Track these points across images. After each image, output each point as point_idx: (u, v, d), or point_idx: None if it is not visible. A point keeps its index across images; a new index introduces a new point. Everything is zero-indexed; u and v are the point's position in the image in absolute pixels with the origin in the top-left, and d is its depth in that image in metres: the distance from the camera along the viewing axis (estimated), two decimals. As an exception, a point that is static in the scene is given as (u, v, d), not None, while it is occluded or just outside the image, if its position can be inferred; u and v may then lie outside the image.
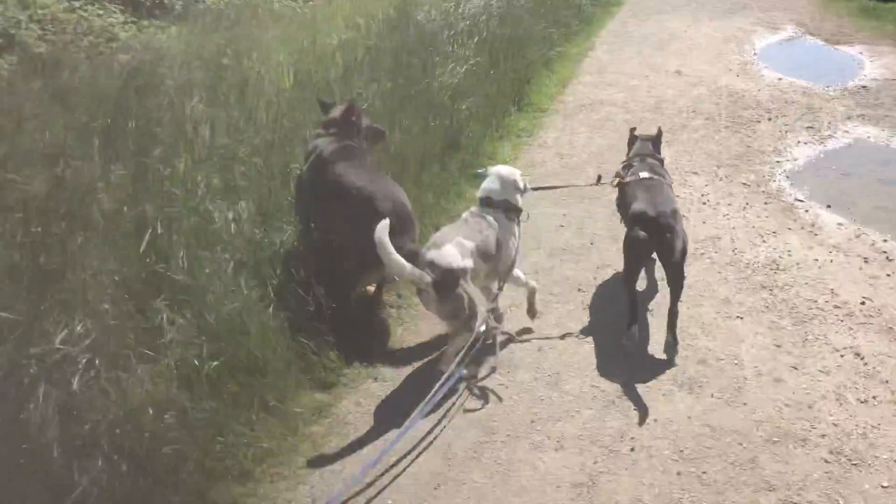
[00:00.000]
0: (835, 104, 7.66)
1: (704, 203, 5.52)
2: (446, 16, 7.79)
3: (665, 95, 8.06)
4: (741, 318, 4.12)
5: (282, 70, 6.34)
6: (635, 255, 3.97)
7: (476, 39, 7.37)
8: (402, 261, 3.37)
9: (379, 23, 7.81)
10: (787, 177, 5.99)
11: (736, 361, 3.75)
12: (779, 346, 3.87)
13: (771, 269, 4.59)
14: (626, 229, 4.05)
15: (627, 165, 4.43)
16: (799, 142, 6.71)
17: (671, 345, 3.84)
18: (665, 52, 10.02)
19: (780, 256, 4.72)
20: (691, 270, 4.31)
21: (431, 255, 3.53)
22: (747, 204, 5.48)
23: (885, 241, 4.92)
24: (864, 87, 8.25)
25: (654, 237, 3.79)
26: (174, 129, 4.62)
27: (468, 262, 3.57)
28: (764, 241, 4.91)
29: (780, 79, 8.61)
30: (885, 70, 8.86)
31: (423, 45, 7.10)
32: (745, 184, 5.85)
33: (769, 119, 7.23)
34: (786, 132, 6.94)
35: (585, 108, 7.73)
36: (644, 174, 4.17)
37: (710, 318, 4.12)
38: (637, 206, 3.92)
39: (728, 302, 4.26)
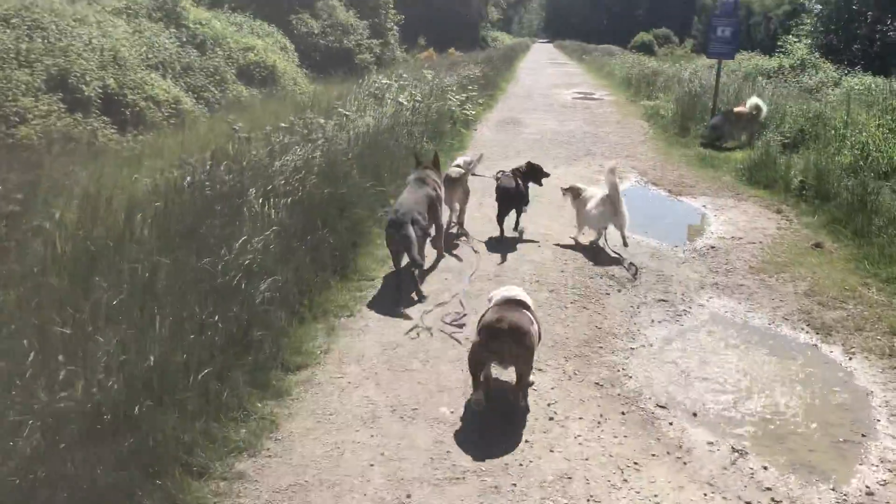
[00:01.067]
0: (686, 269, 7.02)
1: (551, 418, 4.41)
2: (257, 169, 6.65)
3: (507, 260, 7.18)
4: None
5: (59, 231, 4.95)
6: None
7: (289, 200, 6.22)
8: None
9: (193, 167, 6.56)
10: (644, 371, 5.05)
11: None
12: None
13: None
14: None
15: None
16: (653, 320, 5.87)
17: None
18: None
19: (646, 508, 3.63)
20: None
21: None
22: (602, 417, 4.42)
23: (765, 468, 3.96)
24: (713, 247, 7.74)
25: None
26: None
27: None
28: (625, 481, 3.81)
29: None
30: (731, 226, 8.48)
31: (227, 206, 5.89)
32: (598, 384, 4.83)
33: (619, 290, 6.43)
34: (638, 306, 6.12)
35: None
36: None
37: None
38: None
39: None
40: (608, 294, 6.35)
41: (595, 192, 7.51)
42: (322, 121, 10.02)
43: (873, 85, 21.60)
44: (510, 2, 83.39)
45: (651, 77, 23.02)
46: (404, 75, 15.39)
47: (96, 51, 14.92)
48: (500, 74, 27.77)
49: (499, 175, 7.88)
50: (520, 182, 7.75)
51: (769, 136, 13.69)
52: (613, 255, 7.43)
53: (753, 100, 13.41)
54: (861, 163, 9.62)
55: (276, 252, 5.57)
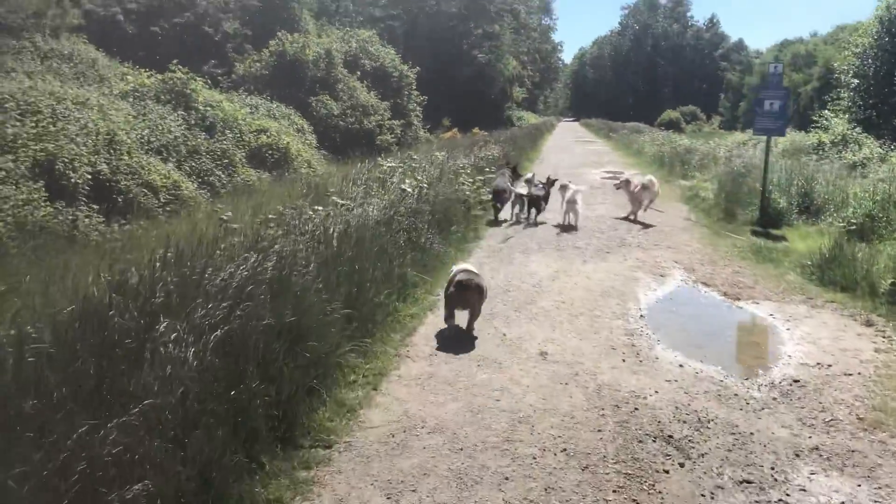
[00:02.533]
0: (769, 421, 5.01)
1: None
2: (184, 287, 4.86)
3: (520, 410, 5.19)
4: None
5: None
6: None
7: (215, 335, 4.40)
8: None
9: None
10: None
11: None
12: None
13: None
14: None
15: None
16: (737, 521, 3.89)
17: None
18: (527, 314, 7.44)
19: None
20: None
21: None
22: None
23: None
24: (796, 380, 5.74)
25: None
26: None
27: None
28: None
29: (681, 366, 6.02)
30: (812, 346, 6.49)
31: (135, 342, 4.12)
32: None
33: (681, 465, 4.45)
34: (713, 493, 4.14)
35: (395, 448, 4.61)
36: None
37: None
38: None
39: None
40: (666, 472, 4.35)
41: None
42: (311, 212, 8.35)
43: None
44: (535, 81, 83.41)
45: (685, 155, 21.28)
46: (415, 157, 13.83)
47: (91, 134, 13.64)
48: (524, 153, 26.30)
49: None
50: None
51: (830, 219, 11.76)
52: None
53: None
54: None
55: (177, 421, 3.73)
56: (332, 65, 34.37)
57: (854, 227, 10.85)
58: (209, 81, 24.00)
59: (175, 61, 21.26)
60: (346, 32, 41.19)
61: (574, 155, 31.03)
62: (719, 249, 10.54)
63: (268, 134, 22.13)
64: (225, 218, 8.14)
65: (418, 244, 8.93)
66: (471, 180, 12.60)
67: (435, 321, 7.09)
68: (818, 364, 6.08)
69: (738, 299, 8.04)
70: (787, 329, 7.01)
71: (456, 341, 6.52)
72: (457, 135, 43.54)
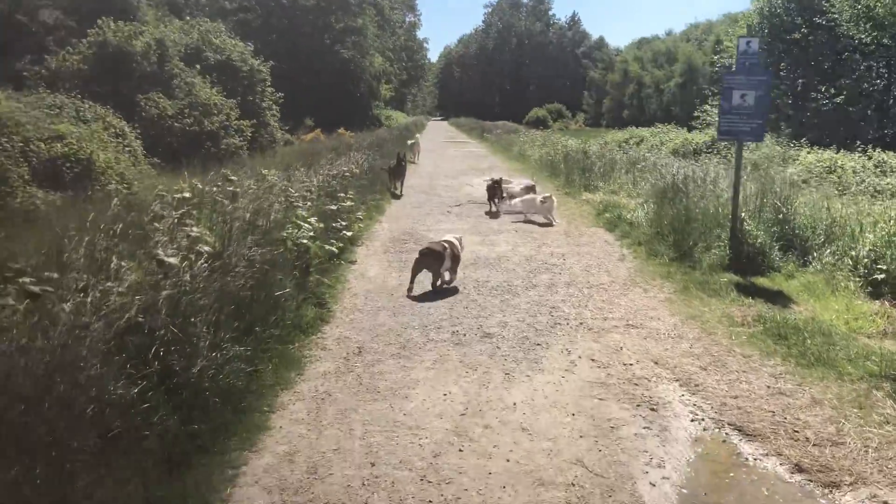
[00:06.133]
0: None
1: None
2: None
3: None
4: None
5: None
6: None
7: None
8: None
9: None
10: None
11: None
12: None
13: None
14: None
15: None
16: None
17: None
18: None
19: None
20: None
21: None
22: None
23: None
24: None
25: None
26: None
27: None
28: None
29: None
30: None
31: None
32: None
33: None
34: None
35: None
36: None
37: None
38: None
39: None
40: None
41: None
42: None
43: (843, 162, 16.78)
44: (403, 79, 78.94)
45: (585, 161, 17.37)
46: (232, 178, 8.85)
47: None
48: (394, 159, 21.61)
49: None
50: None
51: (829, 260, 7.99)
52: None
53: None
54: None
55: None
56: (165, 57, 28.51)
57: (882, 277, 7.09)
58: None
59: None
60: (186, 23, 35.06)
61: (451, 159, 26.68)
62: (710, 327, 6.39)
63: (65, 142, 16.56)
64: None
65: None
66: (314, 218, 7.79)
67: None
68: None
69: (837, 488, 3.83)
70: None
71: None
72: (320, 135, 38.36)
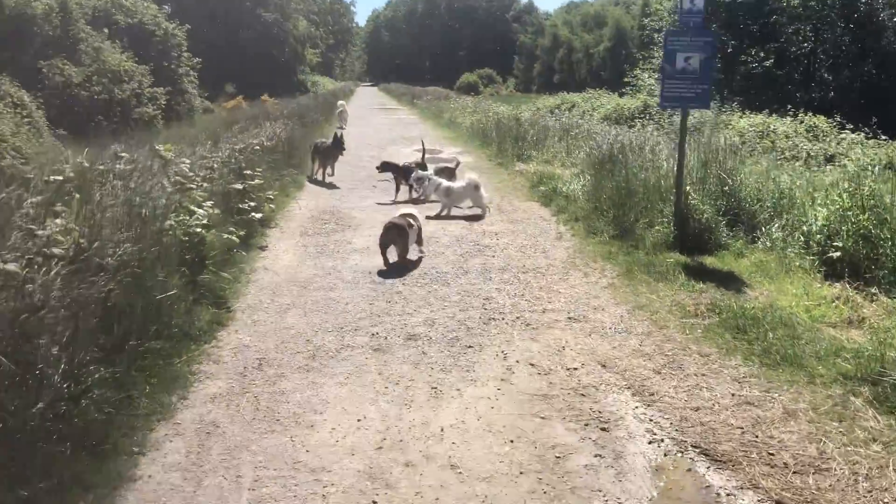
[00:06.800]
0: None
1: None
2: None
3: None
4: None
5: None
6: None
7: None
8: None
9: None
10: None
11: None
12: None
13: None
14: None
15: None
16: None
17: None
18: None
19: None
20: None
21: None
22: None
23: None
24: None
25: None
26: None
27: None
28: None
29: None
30: None
31: None
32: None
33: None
34: None
35: None
36: None
37: None
38: None
39: None
40: None
41: None
42: None
43: (775, 124, 16.55)
44: (329, 44, 76.34)
45: (518, 129, 16.58)
46: (122, 154, 7.65)
47: None
48: (318, 129, 20.39)
49: None
50: None
51: (778, 237, 7.46)
52: None
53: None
54: None
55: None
56: (69, 21, 26.29)
57: (837, 256, 6.55)
58: None
59: None
60: (93, -17, 32.47)
61: (378, 128, 25.51)
62: (660, 319, 5.71)
63: (-60, 115, 14.76)
64: None
65: None
66: (210, 203, 6.73)
67: None
68: None
69: (827, 531, 3.17)
70: None
71: None
72: (241, 102, 36.39)
